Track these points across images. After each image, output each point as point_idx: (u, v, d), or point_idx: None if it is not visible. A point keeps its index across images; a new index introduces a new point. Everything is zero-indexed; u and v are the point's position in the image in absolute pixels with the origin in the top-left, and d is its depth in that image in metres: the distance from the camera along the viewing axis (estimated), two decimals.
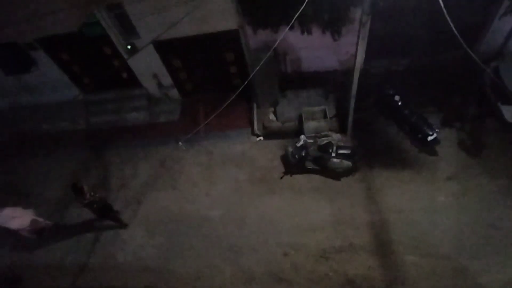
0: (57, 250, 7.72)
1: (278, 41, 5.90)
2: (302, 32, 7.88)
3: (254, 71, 5.68)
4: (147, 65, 8.82)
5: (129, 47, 8.02)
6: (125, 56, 8.32)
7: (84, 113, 10.08)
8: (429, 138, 7.19)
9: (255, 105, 9.08)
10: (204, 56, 8.71)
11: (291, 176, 7.81)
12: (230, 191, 7.89)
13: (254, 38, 8.03)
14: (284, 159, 7.95)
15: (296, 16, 4.98)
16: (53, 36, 7.83)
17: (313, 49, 8.40)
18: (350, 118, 7.46)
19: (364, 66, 6.41)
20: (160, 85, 9.44)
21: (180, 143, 6.22)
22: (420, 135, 7.33)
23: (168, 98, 9.84)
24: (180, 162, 8.67)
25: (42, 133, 10.16)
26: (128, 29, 7.81)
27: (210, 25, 7.55)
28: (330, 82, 8.68)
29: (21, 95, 10.23)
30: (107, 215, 7.31)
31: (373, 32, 5.87)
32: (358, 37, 5.69)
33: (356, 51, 5.91)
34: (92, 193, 6.62)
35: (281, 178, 7.84)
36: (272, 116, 8.94)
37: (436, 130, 7.21)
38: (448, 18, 3.76)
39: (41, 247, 7.80)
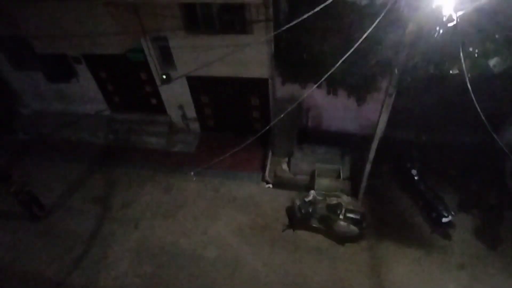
0: (42, 257, 7.48)
1: (304, 96, 6.12)
2: (328, 93, 8.15)
3: (276, 120, 5.83)
4: (176, 96, 9.26)
5: (164, 76, 8.54)
6: (158, 84, 8.83)
7: (105, 128, 10.43)
8: (444, 219, 6.89)
9: (270, 152, 9.15)
10: (231, 97, 9.09)
11: (293, 230, 7.53)
12: (229, 233, 7.63)
13: (281, 89, 8.36)
14: (290, 211, 7.73)
15: (324, 77, 5.22)
16: (98, 55, 8.48)
17: (336, 109, 8.62)
18: (364, 183, 7.33)
19: (385, 133, 6.45)
20: (184, 116, 9.79)
21: (192, 173, 6.25)
22: (434, 214, 7.05)
23: (188, 130, 10.12)
24: (185, 193, 8.61)
25: (62, 139, 10.42)
26: (167, 60, 8.39)
27: (243, 71, 8.02)
28: (348, 144, 8.72)
29: (54, 101, 10.80)
30: (31, 207, 7.96)
31: (397, 103, 6.00)
32: (382, 106, 5.82)
33: (379, 119, 6.01)
34: (22, 184, 7.50)
35: (283, 230, 7.57)
36: (285, 166, 8.93)
37: (452, 213, 6.92)
38: (477, 105, 3.83)
39: (27, 251, 7.60)
